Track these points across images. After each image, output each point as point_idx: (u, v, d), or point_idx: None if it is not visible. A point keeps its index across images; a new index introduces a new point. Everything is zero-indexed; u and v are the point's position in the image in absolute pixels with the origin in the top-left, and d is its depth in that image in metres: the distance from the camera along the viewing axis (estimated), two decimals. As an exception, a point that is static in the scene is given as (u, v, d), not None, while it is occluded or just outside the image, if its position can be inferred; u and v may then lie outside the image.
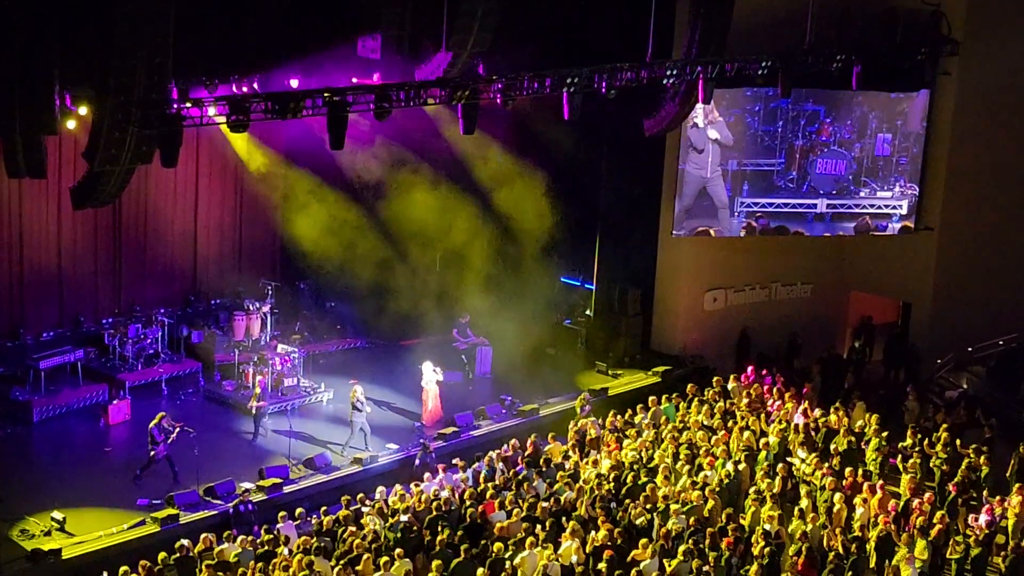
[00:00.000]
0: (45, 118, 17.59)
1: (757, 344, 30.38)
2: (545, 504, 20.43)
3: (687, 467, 22.17)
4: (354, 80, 24.55)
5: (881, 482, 21.69)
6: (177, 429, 22.28)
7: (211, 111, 20.14)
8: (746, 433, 23.54)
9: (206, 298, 30.31)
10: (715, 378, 26.82)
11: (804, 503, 20.92)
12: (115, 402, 25.03)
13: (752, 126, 29.28)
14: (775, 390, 26.01)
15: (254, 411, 24.47)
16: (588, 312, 30.97)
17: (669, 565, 18.31)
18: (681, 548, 18.56)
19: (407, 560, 18.35)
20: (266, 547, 18.95)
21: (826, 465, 22.30)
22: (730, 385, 26.48)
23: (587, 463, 22.86)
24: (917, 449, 23.02)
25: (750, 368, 27.29)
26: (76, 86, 19.12)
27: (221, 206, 30.58)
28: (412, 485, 21.68)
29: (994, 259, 30.08)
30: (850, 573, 18.30)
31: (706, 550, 18.71)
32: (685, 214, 29.48)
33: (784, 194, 29.90)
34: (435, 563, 17.87)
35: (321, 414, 26.10)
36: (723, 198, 29.38)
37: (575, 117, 23.92)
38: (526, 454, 23.16)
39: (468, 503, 20.55)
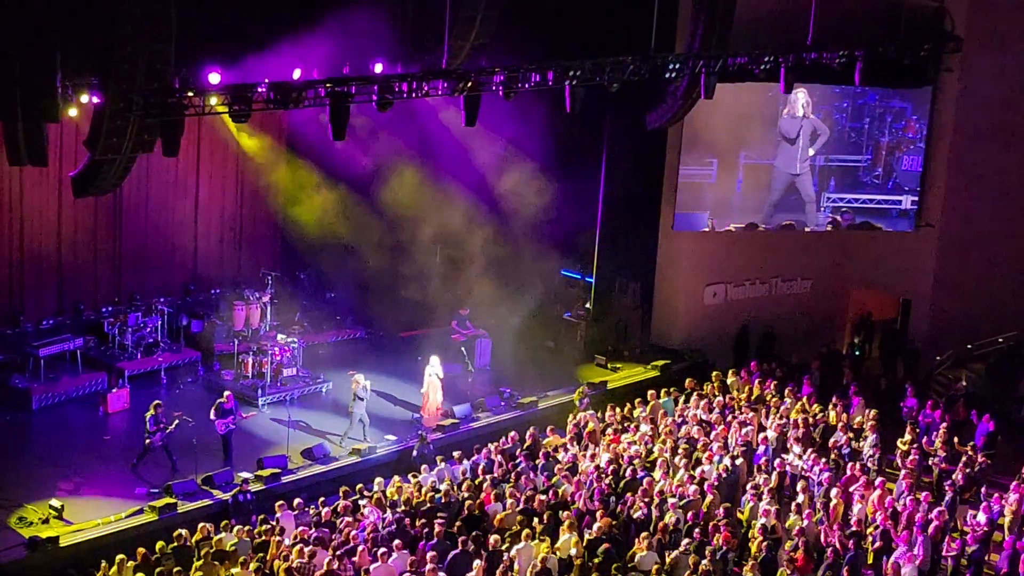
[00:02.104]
0: (47, 105, 17.57)
1: (757, 339, 30.41)
2: (543, 497, 20.44)
3: (685, 461, 22.19)
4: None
5: (880, 479, 21.69)
6: (176, 421, 22.29)
7: (213, 100, 20.10)
8: (744, 428, 23.55)
9: (206, 287, 30.27)
10: (714, 372, 26.81)
11: (801, 498, 20.94)
12: (114, 390, 25.03)
13: (840, 122, 29.80)
14: (774, 385, 26.00)
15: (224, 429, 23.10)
16: (588, 305, 30.95)
17: (667, 559, 18.34)
18: (680, 542, 18.59)
19: (406, 552, 18.34)
20: (263, 537, 18.97)
21: (824, 461, 22.32)
22: (729, 380, 26.50)
23: (585, 456, 22.87)
24: (915, 446, 23.02)
25: (752, 364, 27.32)
26: (78, 74, 19.10)
27: (222, 195, 30.56)
28: (410, 476, 21.70)
29: (995, 256, 30.08)
30: (847, 569, 18.30)
31: (703, 544, 18.73)
32: (772, 208, 30.00)
33: (870, 190, 30.32)
34: (431, 555, 17.88)
35: (320, 404, 26.11)
36: (811, 193, 29.95)
37: (577, 110, 23.91)
38: (524, 447, 23.18)
39: (466, 495, 20.56)
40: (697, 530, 19.21)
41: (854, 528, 19.86)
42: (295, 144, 29.79)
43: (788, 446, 23.21)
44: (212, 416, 22.75)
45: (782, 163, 29.63)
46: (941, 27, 28.59)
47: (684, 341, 30.35)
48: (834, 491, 20.99)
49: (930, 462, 22.91)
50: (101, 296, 28.44)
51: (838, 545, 18.93)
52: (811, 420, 24.21)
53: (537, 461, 22.34)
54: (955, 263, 30.44)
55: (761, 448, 22.95)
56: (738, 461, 22.25)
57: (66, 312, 27.85)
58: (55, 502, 20.53)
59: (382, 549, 18.12)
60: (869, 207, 30.40)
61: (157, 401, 22.58)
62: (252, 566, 17.63)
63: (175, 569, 17.63)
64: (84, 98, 19.85)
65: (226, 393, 23.44)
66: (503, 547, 18.48)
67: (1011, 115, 29.33)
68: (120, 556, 18.01)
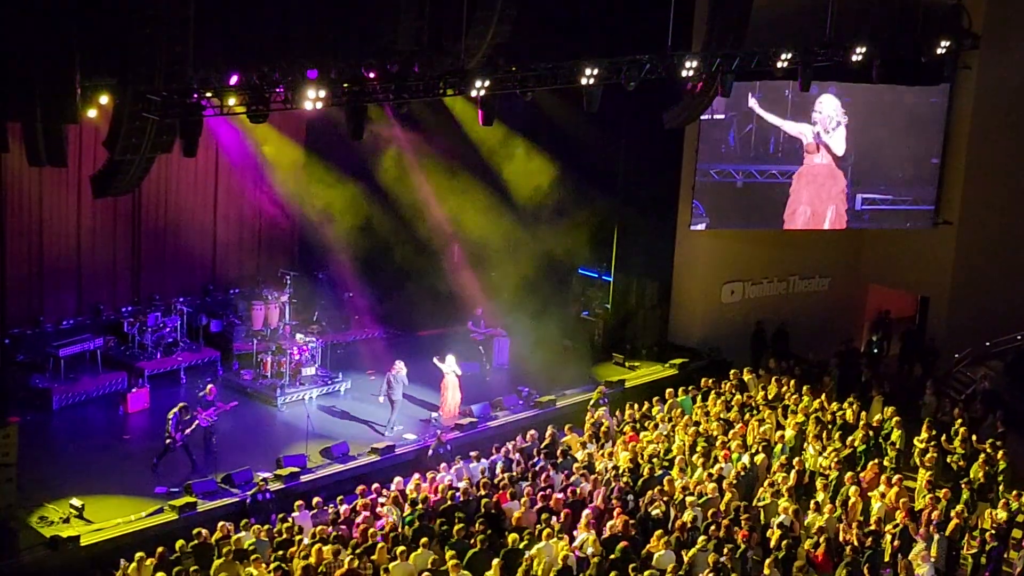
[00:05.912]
0: (66, 106, 17.61)
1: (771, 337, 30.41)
2: (561, 496, 20.46)
3: (703, 459, 22.19)
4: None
5: (898, 476, 21.66)
6: (196, 422, 22.38)
7: (231, 100, 20.13)
8: (763, 426, 23.54)
9: (225, 287, 30.38)
10: (732, 371, 26.79)
11: (820, 496, 20.92)
12: (134, 390, 25.17)
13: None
14: (792, 383, 25.95)
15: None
16: (606, 304, 30.96)
17: (685, 556, 18.34)
18: (698, 540, 18.60)
19: (429, 551, 18.35)
20: (283, 536, 19.03)
21: (842, 459, 22.28)
22: (746, 378, 26.47)
23: (603, 455, 22.88)
24: (934, 444, 22.98)
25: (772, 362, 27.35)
26: (97, 74, 19.13)
27: (240, 195, 30.64)
28: (428, 475, 21.75)
29: (1013, 254, 30.00)
30: (866, 567, 18.28)
31: (722, 542, 18.72)
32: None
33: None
34: (450, 553, 17.92)
35: (339, 403, 26.18)
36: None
37: (594, 109, 23.91)
38: (542, 445, 23.20)
39: (484, 494, 20.59)
40: (715, 528, 19.21)
41: (872, 526, 19.83)
42: (313, 143, 29.83)
43: (806, 444, 23.20)
44: (198, 410, 22.88)
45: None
46: (958, 24, 28.49)
47: (702, 339, 30.31)
48: (852, 489, 20.97)
49: (948, 460, 22.87)
50: (120, 296, 28.55)
51: (856, 543, 18.91)
52: (829, 418, 24.19)
53: (556, 460, 22.37)
54: (973, 260, 30.35)
55: (779, 446, 22.91)
56: (757, 459, 22.24)
57: (86, 312, 27.95)
58: (76, 501, 20.64)
59: (401, 547, 18.17)
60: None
61: (183, 403, 22.71)
62: (271, 565, 17.69)
63: (194, 568, 17.72)
64: (103, 99, 19.88)
65: (208, 387, 23.70)
66: (521, 546, 18.51)
67: (1028, 112, 29.27)
68: (140, 554, 18.09)
